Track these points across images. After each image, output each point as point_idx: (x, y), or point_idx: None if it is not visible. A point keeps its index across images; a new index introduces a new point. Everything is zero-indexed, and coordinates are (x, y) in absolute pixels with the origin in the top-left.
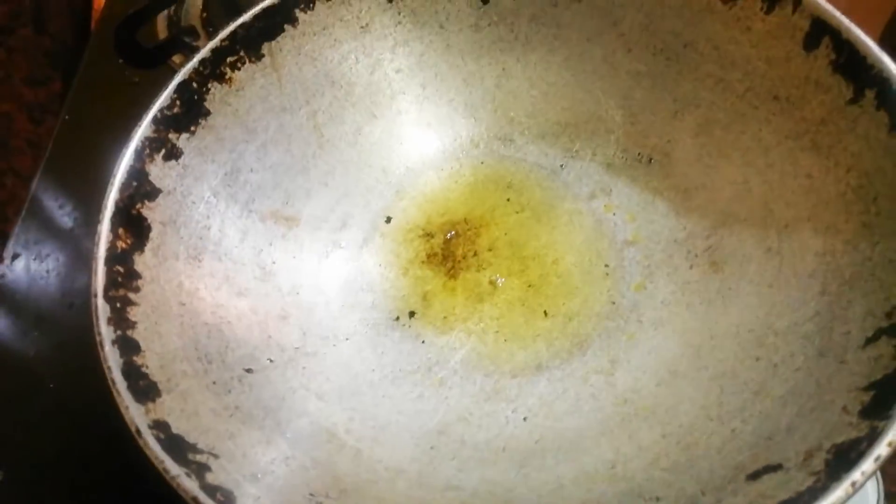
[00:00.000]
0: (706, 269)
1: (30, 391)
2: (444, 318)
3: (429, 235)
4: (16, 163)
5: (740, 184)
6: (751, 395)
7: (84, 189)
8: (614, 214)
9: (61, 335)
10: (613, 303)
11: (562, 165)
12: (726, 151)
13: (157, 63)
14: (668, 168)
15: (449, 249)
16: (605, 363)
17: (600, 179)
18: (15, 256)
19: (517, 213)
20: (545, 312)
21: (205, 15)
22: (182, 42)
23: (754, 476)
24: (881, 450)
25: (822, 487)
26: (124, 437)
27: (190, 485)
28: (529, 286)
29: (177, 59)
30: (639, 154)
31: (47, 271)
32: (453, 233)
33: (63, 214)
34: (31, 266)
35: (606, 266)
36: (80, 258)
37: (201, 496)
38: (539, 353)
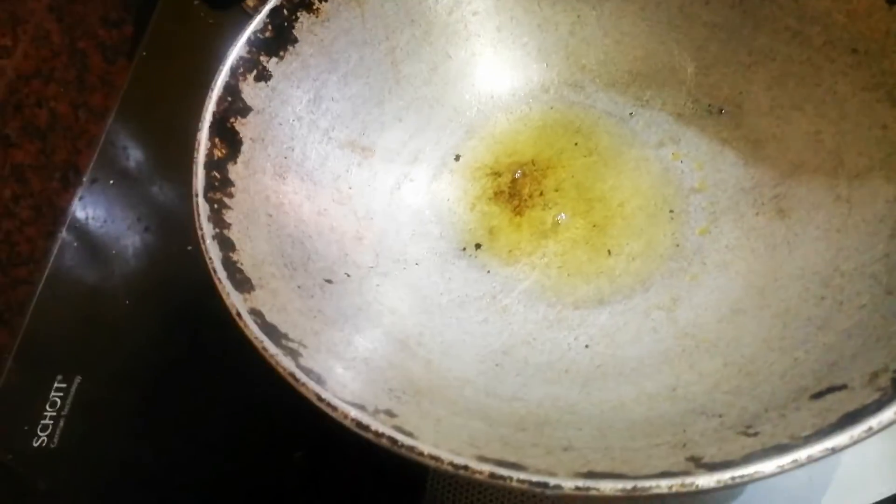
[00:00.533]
0: (773, 216)
1: (106, 307)
2: (510, 251)
3: (496, 174)
4: (89, 98)
5: (812, 135)
6: (814, 329)
7: (158, 122)
8: (682, 162)
9: (137, 255)
10: (677, 245)
11: (631, 113)
12: (800, 103)
13: (231, 4)
14: (738, 119)
15: (515, 188)
16: (667, 300)
17: (669, 128)
18: (93, 181)
19: (585, 157)
20: (609, 251)
21: None
22: None
23: (818, 395)
24: None
25: (890, 399)
26: (193, 347)
27: (288, 363)
28: (594, 226)
29: (249, 2)
30: (709, 105)
31: (124, 195)
32: (520, 173)
33: (138, 145)
34: (108, 190)
35: (671, 211)
36: (155, 185)
37: (298, 373)
38: (601, 289)
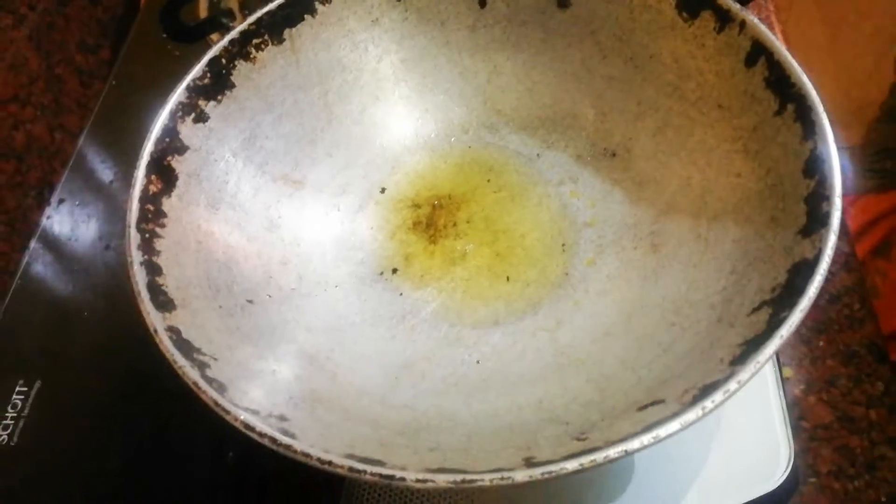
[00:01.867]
0: (647, 250)
1: (67, 318)
2: (422, 276)
3: (416, 206)
4: (65, 120)
5: (684, 179)
6: (661, 351)
7: (124, 147)
8: (578, 200)
9: (97, 272)
10: (567, 274)
11: (538, 154)
12: (676, 150)
13: (196, 39)
14: (627, 162)
15: (432, 219)
16: (552, 323)
17: (570, 169)
18: (61, 201)
19: (495, 192)
20: (507, 278)
21: None
22: (220, 22)
23: (642, 408)
24: (731, 385)
25: (680, 411)
26: (144, 358)
27: (192, 374)
28: (497, 255)
29: (214, 37)
30: (604, 149)
31: (88, 216)
32: (438, 205)
33: (105, 167)
34: (75, 210)
35: (564, 244)
36: (118, 207)
37: (201, 382)
38: (497, 311)
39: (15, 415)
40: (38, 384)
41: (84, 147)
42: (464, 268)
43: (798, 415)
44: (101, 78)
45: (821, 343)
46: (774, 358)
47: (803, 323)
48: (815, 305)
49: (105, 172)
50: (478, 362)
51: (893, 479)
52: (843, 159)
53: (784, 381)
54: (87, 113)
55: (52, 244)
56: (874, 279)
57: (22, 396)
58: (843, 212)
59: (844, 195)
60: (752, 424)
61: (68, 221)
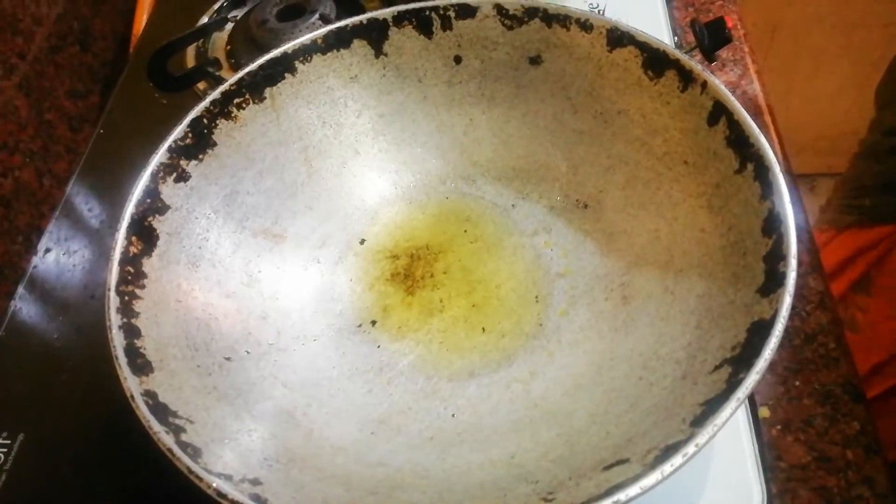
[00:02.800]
0: (618, 302)
1: (52, 368)
2: (399, 328)
3: (395, 257)
4: (54, 166)
5: (653, 232)
6: (628, 406)
7: (112, 195)
8: (551, 250)
9: (82, 321)
10: (541, 325)
11: (513, 205)
12: (645, 204)
13: (182, 89)
14: (599, 214)
15: (410, 270)
16: (526, 374)
17: (543, 219)
18: (47, 250)
19: (471, 243)
20: (483, 329)
21: (229, 48)
22: (206, 71)
23: (608, 467)
24: (689, 449)
25: (642, 474)
26: (129, 405)
27: (167, 440)
28: (473, 306)
29: (201, 85)
30: (577, 200)
31: (74, 265)
32: (416, 256)
33: (92, 216)
34: (61, 260)
35: (538, 294)
36: (104, 256)
37: (175, 449)
38: (473, 363)
39: None
40: (21, 437)
41: (72, 194)
42: (441, 319)
43: (776, 455)
44: (90, 122)
45: (797, 382)
46: (747, 400)
47: (779, 362)
48: (791, 345)
49: (92, 220)
50: (453, 415)
51: None
52: (826, 186)
53: (761, 421)
54: (75, 158)
55: (39, 294)
56: (854, 314)
57: (5, 450)
58: (822, 247)
59: (824, 230)
60: (725, 468)
61: (54, 271)
